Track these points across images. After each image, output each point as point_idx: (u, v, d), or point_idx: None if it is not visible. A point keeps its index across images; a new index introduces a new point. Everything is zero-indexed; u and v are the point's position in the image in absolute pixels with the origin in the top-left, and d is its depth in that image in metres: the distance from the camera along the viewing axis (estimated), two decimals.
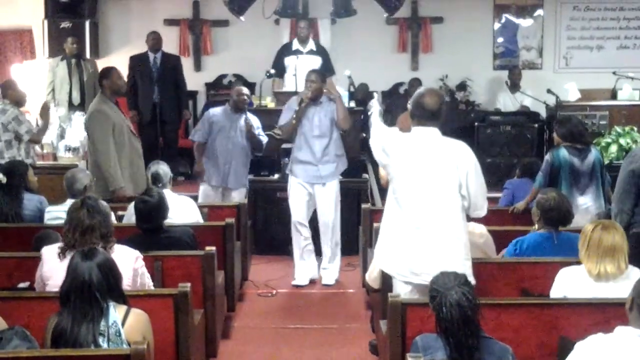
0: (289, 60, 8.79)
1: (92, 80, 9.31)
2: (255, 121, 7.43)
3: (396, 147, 4.21)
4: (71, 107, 9.36)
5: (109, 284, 3.40)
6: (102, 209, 4.17)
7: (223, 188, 7.40)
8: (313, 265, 6.94)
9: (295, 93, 7.47)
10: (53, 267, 4.07)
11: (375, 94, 4.89)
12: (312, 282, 6.89)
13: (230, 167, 7.33)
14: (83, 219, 4.06)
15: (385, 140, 4.27)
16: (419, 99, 4.16)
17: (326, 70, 8.92)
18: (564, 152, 5.98)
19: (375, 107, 4.74)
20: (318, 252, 6.97)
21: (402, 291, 4.10)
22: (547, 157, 6.07)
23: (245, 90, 7.51)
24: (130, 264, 4.07)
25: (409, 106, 4.24)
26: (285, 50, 9.04)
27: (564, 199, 4.88)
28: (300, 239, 6.81)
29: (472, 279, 3.92)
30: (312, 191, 6.76)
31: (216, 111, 7.52)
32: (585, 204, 5.90)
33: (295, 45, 8.95)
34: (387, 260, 4.23)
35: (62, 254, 4.05)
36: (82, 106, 9.16)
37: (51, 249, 4.14)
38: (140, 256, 4.21)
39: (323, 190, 6.76)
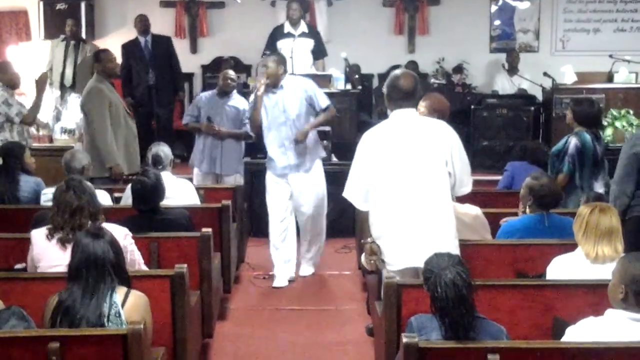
0: (282, 43, 8.71)
1: (86, 63, 9.27)
2: (242, 104, 7.39)
3: (368, 146, 4.18)
4: (62, 88, 9.34)
5: (119, 263, 3.46)
6: (88, 189, 4.21)
7: (213, 174, 7.42)
8: (292, 264, 6.53)
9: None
10: (43, 249, 4.11)
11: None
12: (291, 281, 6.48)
13: (217, 153, 7.35)
14: (71, 200, 4.09)
15: (363, 184, 4.16)
16: (394, 81, 4.22)
17: (319, 52, 8.91)
18: (588, 138, 5.84)
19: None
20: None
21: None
22: (575, 141, 5.84)
23: (232, 73, 7.52)
24: (119, 240, 4.09)
25: (384, 90, 4.29)
26: (278, 33, 8.97)
27: (554, 183, 4.89)
28: (279, 238, 6.39)
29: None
30: (288, 183, 6.38)
31: (206, 95, 7.57)
32: (599, 191, 5.84)
33: (287, 27, 8.88)
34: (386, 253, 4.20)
35: (50, 235, 4.09)
36: (73, 88, 9.14)
37: (39, 231, 4.17)
38: (129, 234, 4.25)
39: (298, 181, 6.37)
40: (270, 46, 8.87)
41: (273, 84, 6.23)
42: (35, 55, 9.93)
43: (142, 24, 9.35)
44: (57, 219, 4.09)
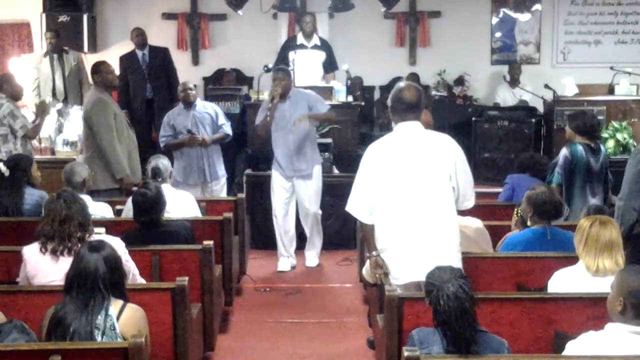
0: (293, 55, 8.75)
1: (74, 74, 9.28)
2: (212, 109, 7.61)
3: (373, 163, 4.19)
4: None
5: (113, 278, 3.44)
6: (78, 200, 4.24)
7: (202, 183, 7.51)
8: (293, 254, 7.22)
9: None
10: (37, 263, 4.13)
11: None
12: (293, 268, 7.21)
13: (204, 162, 7.47)
14: (60, 209, 4.13)
15: (368, 197, 4.19)
16: (398, 94, 4.24)
17: (329, 65, 8.97)
18: (580, 149, 5.82)
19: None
20: (301, 245, 7.30)
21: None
22: (565, 152, 5.86)
23: (189, 84, 7.69)
24: None
25: (389, 102, 4.30)
26: (290, 44, 9.01)
27: (553, 192, 4.87)
28: (281, 230, 7.09)
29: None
30: (291, 184, 7.02)
31: (173, 112, 7.67)
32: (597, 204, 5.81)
33: (300, 39, 8.95)
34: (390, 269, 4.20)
35: (43, 247, 4.10)
36: (66, 101, 9.13)
37: (31, 247, 4.19)
38: (122, 244, 4.25)
39: (303, 183, 7.00)
40: (281, 57, 8.89)
41: (283, 94, 6.79)
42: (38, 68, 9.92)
43: (139, 37, 9.40)
44: (46, 228, 4.12)
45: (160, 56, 9.50)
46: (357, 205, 4.24)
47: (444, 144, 4.21)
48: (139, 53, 9.40)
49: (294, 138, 6.87)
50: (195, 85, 10.67)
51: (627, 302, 3.10)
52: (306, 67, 8.22)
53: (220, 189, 7.58)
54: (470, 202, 4.24)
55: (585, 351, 3.15)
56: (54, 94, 9.20)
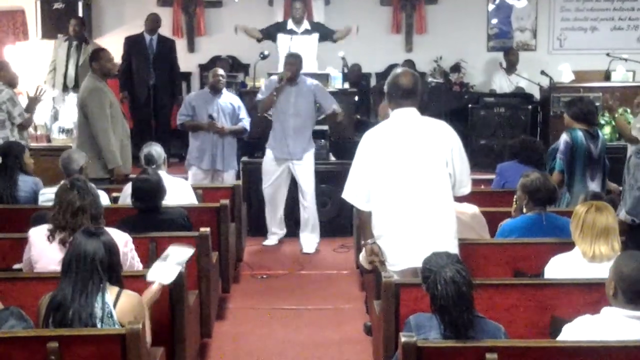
0: (282, 38, 8.76)
1: (87, 63, 9.23)
2: (236, 101, 7.69)
3: (369, 148, 4.19)
4: (65, 89, 9.30)
5: (110, 262, 3.42)
6: (92, 190, 4.15)
7: (213, 170, 7.54)
8: (281, 231, 7.52)
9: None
10: (42, 249, 4.07)
11: None
12: (281, 242, 7.51)
13: (218, 150, 7.51)
14: (74, 200, 4.02)
15: (365, 184, 4.18)
16: (394, 80, 4.23)
17: (327, 34, 8.88)
18: (581, 135, 5.81)
19: None
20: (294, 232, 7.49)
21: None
22: (566, 137, 5.83)
23: (221, 71, 7.72)
24: (120, 247, 4.07)
25: (385, 88, 4.29)
26: (280, 27, 8.97)
27: (547, 178, 4.86)
28: (269, 207, 7.36)
29: None
30: (285, 167, 7.19)
31: (197, 94, 7.81)
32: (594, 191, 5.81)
33: (290, 25, 8.90)
34: (387, 256, 4.20)
35: (51, 236, 4.03)
36: (76, 88, 9.09)
37: (39, 230, 4.12)
38: (129, 239, 4.20)
39: (299, 165, 7.18)
40: (267, 31, 8.87)
41: (292, 78, 6.98)
42: (32, 55, 9.90)
43: (154, 23, 9.34)
44: (58, 218, 4.03)
45: (168, 46, 9.48)
46: (353, 192, 4.23)
47: (440, 130, 4.20)
48: (147, 37, 9.34)
49: (293, 122, 7.03)
50: (190, 73, 10.74)
51: (618, 286, 3.13)
52: (301, 53, 8.22)
53: (231, 179, 7.59)
54: (466, 189, 4.25)
55: (581, 334, 3.17)
56: (64, 80, 9.18)
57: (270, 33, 8.90)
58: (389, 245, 4.13)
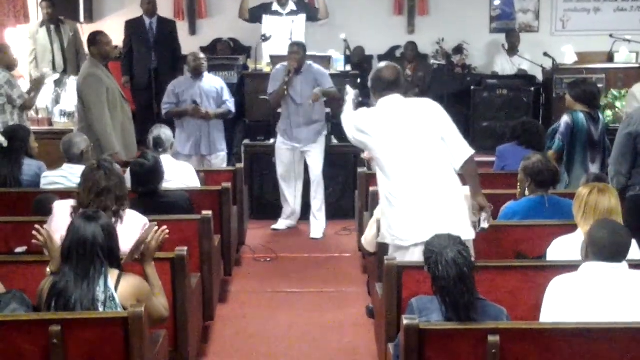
0: (268, 20, 8.70)
1: (72, 44, 9.16)
2: (218, 83, 7.63)
3: (370, 122, 4.29)
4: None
5: (110, 246, 3.42)
6: (118, 172, 4.17)
7: (199, 156, 7.49)
8: (294, 218, 7.49)
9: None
10: (64, 223, 4.02)
11: (348, 87, 4.97)
12: (290, 228, 7.48)
13: (203, 134, 7.44)
14: (100, 180, 4.03)
15: (356, 119, 4.37)
16: (377, 74, 4.38)
17: (313, 13, 8.81)
18: (582, 117, 5.81)
19: (350, 94, 4.77)
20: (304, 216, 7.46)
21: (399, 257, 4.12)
22: (566, 119, 5.83)
23: (202, 54, 7.70)
24: (138, 229, 3.99)
25: (369, 83, 4.41)
26: (266, 8, 8.86)
27: (548, 160, 4.86)
28: (285, 193, 7.37)
29: (472, 232, 4.15)
30: (296, 153, 7.25)
31: (179, 81, 7.68)
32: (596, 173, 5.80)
33: (275, 6, 8.77)
34: (395, 232, 4.23)
35: (74, 212, 4.01)
36: (65, 72, 9.04)
37: (64, 204, 4.17)
38: (147, 223, 4.19)
39: (309, 152, 7.24)
40: (252, 14, 8.83)
41: (298, 68, 7.00)
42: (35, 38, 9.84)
43: (150, 5, 9.26)
44: (83, 197, 4.04)
45: (168, 28, 9.41)
46: (347, 123, 4.46)
47: (429, 108, 4.28)
48: (147, 21, 9.27)
49: (304, 110, 7.09)
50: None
51: (589, 246, 3.37)
52: (284, 34, 8.22)
53: (219, 163, 7.53)
54: (468, 151, 4.22)
55: (565, 292, 3.32)
56: (53, 66, 9.11)
57: (255, 14, 8.82)
58: (399, 222, 4.16)
